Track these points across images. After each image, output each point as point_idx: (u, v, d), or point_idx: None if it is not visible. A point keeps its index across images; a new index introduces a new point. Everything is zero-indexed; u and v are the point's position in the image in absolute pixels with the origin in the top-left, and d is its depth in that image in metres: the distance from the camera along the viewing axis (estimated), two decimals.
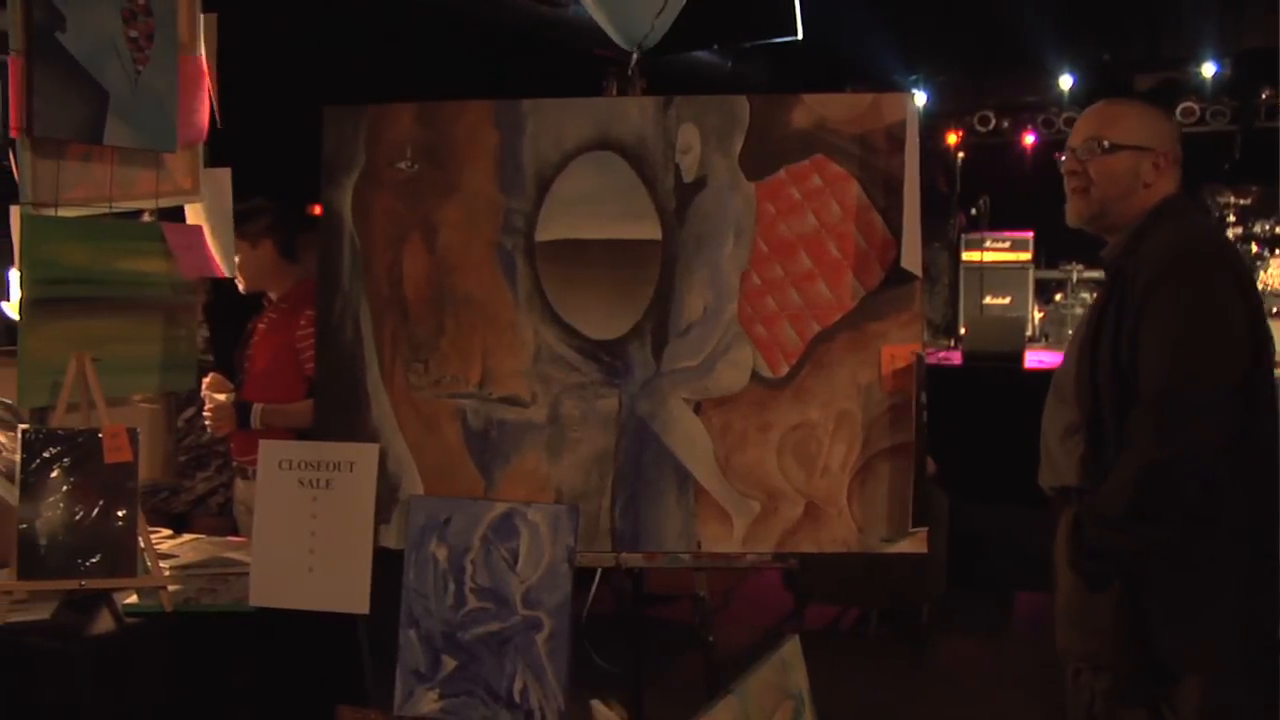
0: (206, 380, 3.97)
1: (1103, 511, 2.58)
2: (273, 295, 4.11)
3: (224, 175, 3.24)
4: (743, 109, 2.83)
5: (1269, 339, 2.62)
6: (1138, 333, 2.56)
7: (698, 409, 2.80)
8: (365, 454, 2.69)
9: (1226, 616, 2.57)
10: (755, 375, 2.79)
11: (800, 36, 4.06)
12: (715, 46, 6.84)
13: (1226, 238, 6.90)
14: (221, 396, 3.87)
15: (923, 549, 2.78)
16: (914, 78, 9.86)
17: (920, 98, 9.70)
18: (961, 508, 5.64)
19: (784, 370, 2.80)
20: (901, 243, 2.78)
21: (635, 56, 3.33)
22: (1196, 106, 9.58)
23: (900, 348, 2.78)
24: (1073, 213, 2.80)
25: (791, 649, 2.74)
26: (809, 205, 2.81)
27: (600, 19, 3.46)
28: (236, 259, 3.98)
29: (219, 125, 3.18)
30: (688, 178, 2.82)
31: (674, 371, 2.80)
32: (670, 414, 2.80)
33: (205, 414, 3.93)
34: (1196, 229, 2.78)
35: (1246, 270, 2.77)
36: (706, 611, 3.18)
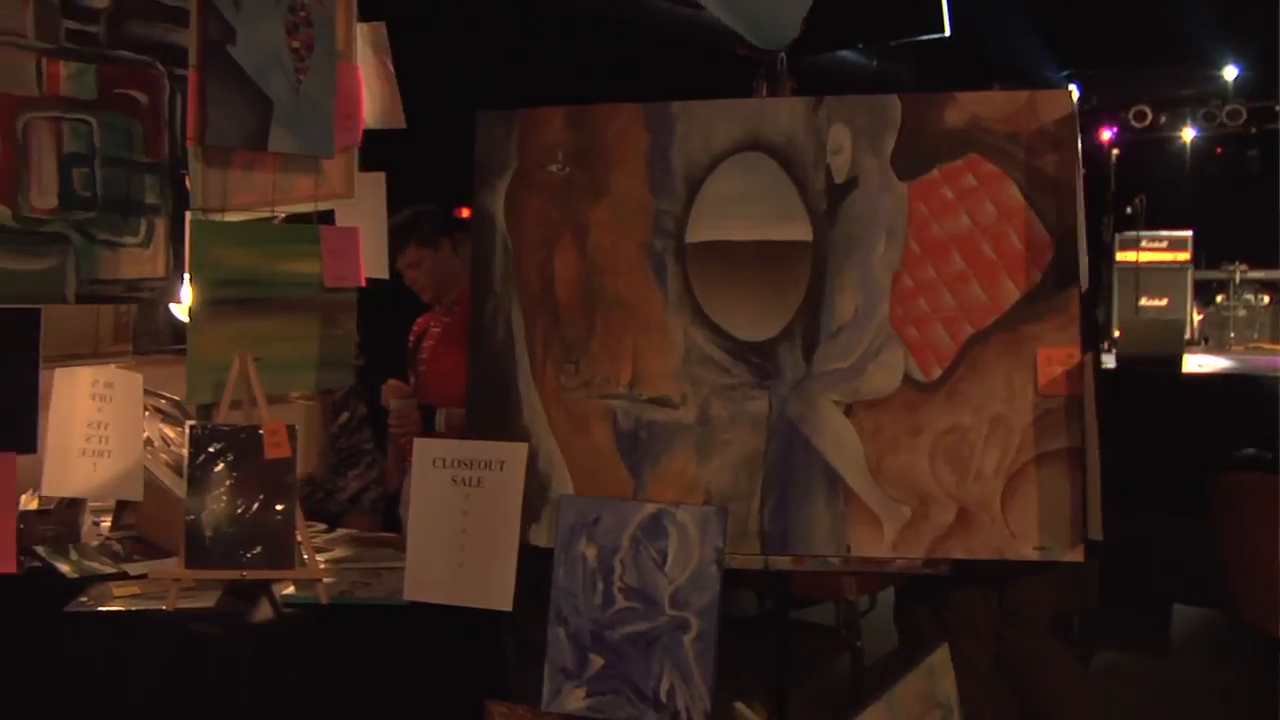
0: (386, 387, 4.07)
1: None
2: (448, 299, 4.17)
3: (379, 179, 3.33)
4: (894, 108, 2.79)
5: None
6: None
7: (848, 411, 2.76)
8: (515, 453, 2.72)
9: None
10: (907, 378, 2.75)
11: (948, 33, 3.99)
12: (860, 45, 6.76)
13: None
14: (403, 402, 3.96)
15: (1080, 558, 2.70)
16: (1065, 73, 9.60)
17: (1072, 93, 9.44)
18: (1116, 517, 5.46)
19: (936, 373, 2.75)
20: (1060, 243, 2.71)
21: (783, 57, 3.31)
22: None
23: (1058, 350, 2.71)
24: None
25: (940, 656, 2.70)
26: (963, 205, 2.75)
27: (730, 21, 3.45)
28: (418, 270, 4.09)
29: (402, 126, 3.26)
30: (839, 178, 2.80)
31: (824, 373, 2.77)
32: (820, 416, 2.77)
33: (390, 421, 4.02)
34: None
35: None
36: (855, 616, 3.14)
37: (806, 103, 2.84)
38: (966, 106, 2.76)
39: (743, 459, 2.79)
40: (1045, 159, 2.72)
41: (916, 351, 2.76)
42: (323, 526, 3.65)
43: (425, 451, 2.81)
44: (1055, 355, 2.70)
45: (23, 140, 2.48)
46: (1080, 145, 2.79)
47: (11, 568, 2.50)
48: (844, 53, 7.38)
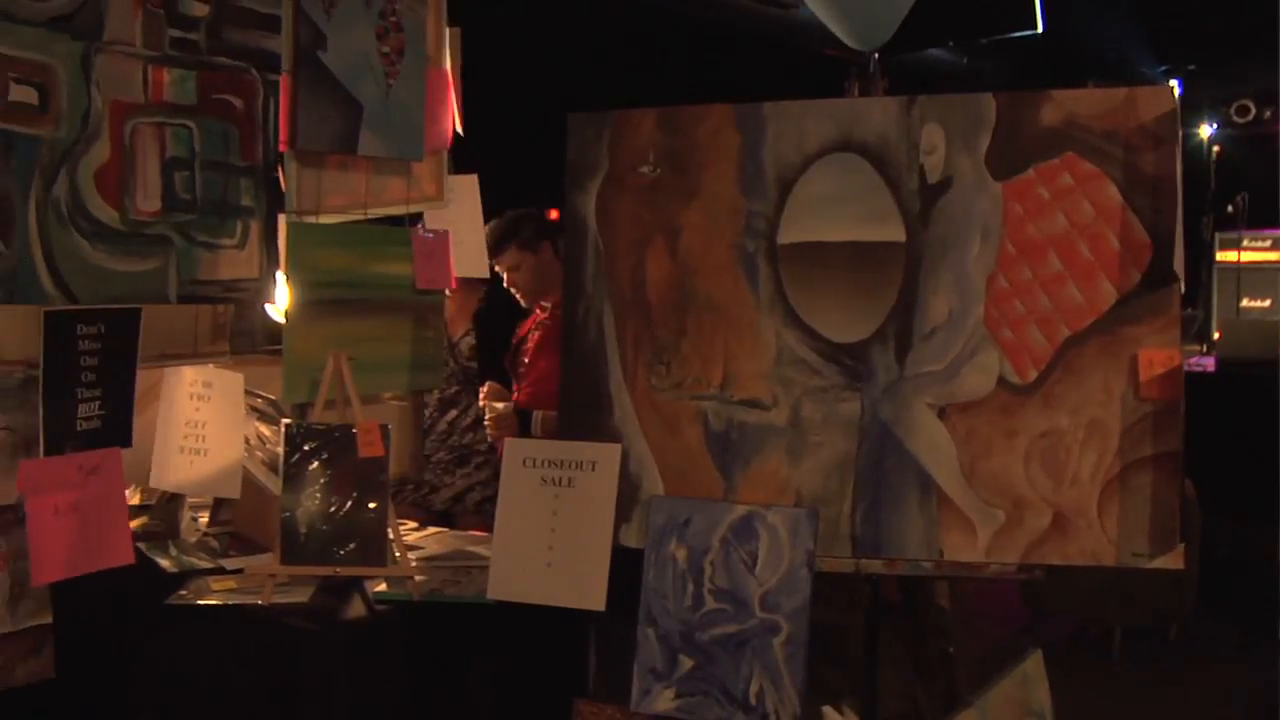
0: (484, 390, 4.11)
1: None
2: (547, 302, 4.20)
3: (471, 181, 3.36)
4: (988, 107, 2.75)
5: None
6: None
7: (942, 414, 2.73)
8: (607, 454, 2.73)
9: None
10: (1002, 380, 2.71)
11: (1040, 30, 3.93)
12: (950, 43, 6.68)
13: None
14: (500, 405, 4.00)
15: (1179, 565, 2.64)
16: (1163, 68, 9.39)
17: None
18: (1215, 524, 5.33)
19: (1032, 376, 2.70)
20: (1159, 243, 2.65)
21: (876, 57, 3.28)
22: None
23: (1158, 353, 2.65)
24: None
25: (1034, 663, 2.65)
26: (1059, 205, 2.71)
27: (829, 22, 3.43)
28: (518, 273, 4.12)
29: (461, 133, 3.29)
30: (932, 178, 2.76)
31: (918, 376, 2.74)
32: (913, 419, 2.74)
33: (486, 423, 4.06)
34: None
35: None
36: (947, 622, 3.10)
37: (900, 102, 2.81)
38: (1063, 104, 2.72)
39: (834, 461, 2.77)
40: (1144, 157, 2.67)
41: (1011, 354, 2.71)
42: (413, 524, 3.69)
43: (515, 451, 2.83)
44: (1156, 357, 2.64)
45: (130, 145, 2.54)
46: (1180, 142, 2.72)
47: (129, 559, 2.57)
48: (934, 51, 7.30)
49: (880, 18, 3.31)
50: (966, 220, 2.74)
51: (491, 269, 4.02)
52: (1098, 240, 2.68)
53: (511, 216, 4.19)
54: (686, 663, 2.60)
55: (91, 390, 2.53)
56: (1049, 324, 2.70)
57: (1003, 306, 2.72)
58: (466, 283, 4.27)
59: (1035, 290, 2.71)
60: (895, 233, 2.77)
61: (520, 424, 3.93)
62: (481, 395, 4.08)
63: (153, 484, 3.27)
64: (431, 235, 3.24)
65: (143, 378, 3.19)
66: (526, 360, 4.19)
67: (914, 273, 2.76)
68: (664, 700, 2.60)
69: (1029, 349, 2.71)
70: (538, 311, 4.26)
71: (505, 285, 4.29)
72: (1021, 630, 5.60)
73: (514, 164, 4.36)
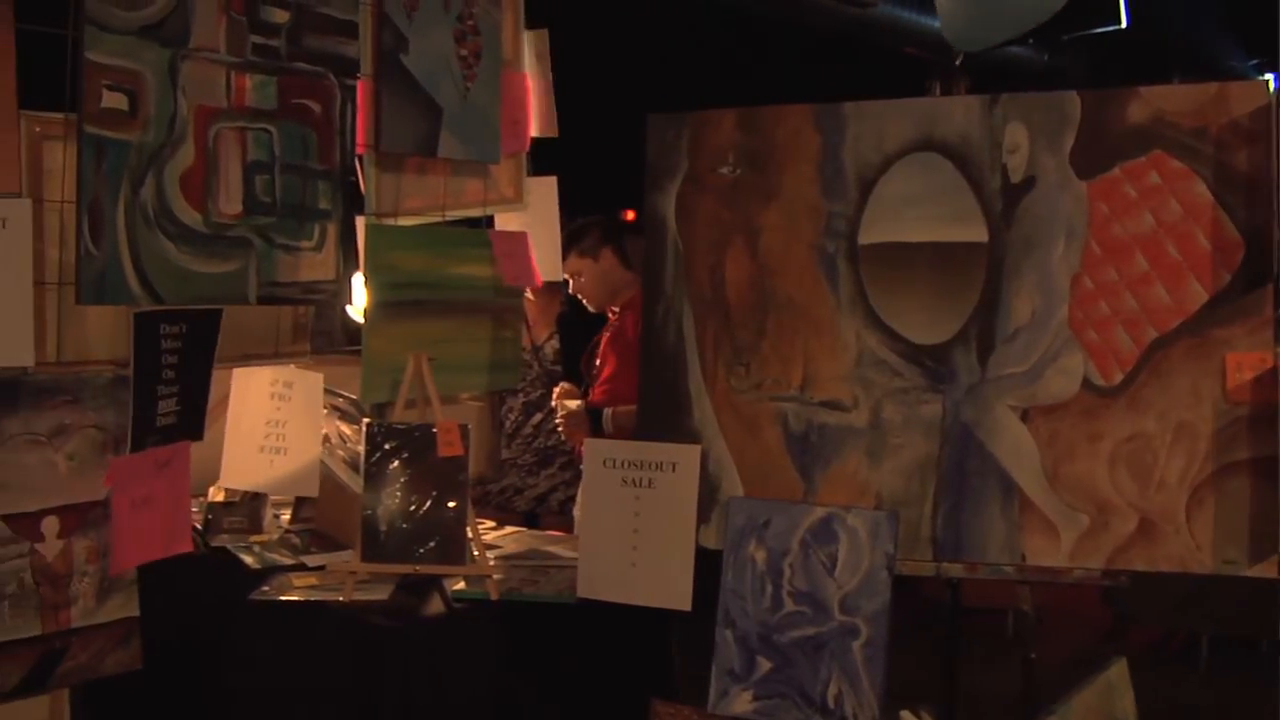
0: (557, 390, 4.14)
1: None
2: (617, 304, 4.22)
3: (550, 183, 3.38)
4: (1073, 105, 2.71)
5: None
6: None
7: (1024, 417, 2.70)
8: (687, 455, 2.73)
9: None
10: (1086, 383, 2.67)
11: (1124, 25, 3.86)
12: (1031, 40, 6.59)
13: None
14: (573, 404, 4.02)
15: (1272, 573, 2.58)
16: (1253, 62, 9.17)
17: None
18: None
19: (1117, 378, 2.65)
20: (1253, 242, 2.59)
21: (959, 56, 3.24)
22: None
23: (1248, 355, 2.59)
24: None
25: (1118, 672, 2.61)
26: (1146, 204, 2.66)
27: (946, 25, 3.38)
28: (581, 279, 4.15)
29: (554, 134, 3.31)
30: (1015, 178, 2.73)
31: (1000, 378, 2.71)
32: (996, 421, 2.71)
33: (558, 421, 4.09)
34: None
35: None
36: (1030, 627, 3.06)
37: (982, 101, 2.78)
38: (1150, 101, 2.67)
39: (915, 463, 2.75)
40: (1236, 154, 2.60)
41: (1097, 356, 2.67)
42: (491, 523, 3.72)
43: (596, 452, 2.84)
44: (1246, 360, 2.58)
45: (213, 149, 2.58)
46: (1275, 137, 2.66)
47: (188, 547, 2.61)
48: (1013, 48, 7.19)
49: (997, 20, 3.26)
50: (1050, 220, 2.70)
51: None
52: (1186, 240, 2.62)
53: (575, 224, 4.22)
54: (764, 665, 2.59)
55: (170, 388, 2.57)
56: (1135, 325, 2.65)
57: (1087, 308, 2.67)
58: (548, 287, 4.30)
59: (1121, 291, 2.66)
60: (977, 233, 2.74)
61: (591, 422, 3.94)
62: (554, 396, 4.11)
63: (223, 483, 3.33)
64: (509, 235, 3.26)
65: (225, 378, 3.26)
66: (597, 362, 4.21)
67: (996, 273, 2.72)
68: (742, 702, 2.59)
69: (1114, 351, 2.66)
70: (610, 315, 4.29)
71: (570, 292, 4.32)
72: (1104, 637, 5.51)
73: (591, 165, 4.38)
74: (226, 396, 3.33)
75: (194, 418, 2.64)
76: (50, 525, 2.45)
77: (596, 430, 3.91)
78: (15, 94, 2.34)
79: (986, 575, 2.76)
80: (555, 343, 4.71)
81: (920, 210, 2.77)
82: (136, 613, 2.58)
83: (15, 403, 2.41)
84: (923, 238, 2.77)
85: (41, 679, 2.46)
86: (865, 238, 2.80)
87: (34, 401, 2.43)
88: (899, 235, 2.78)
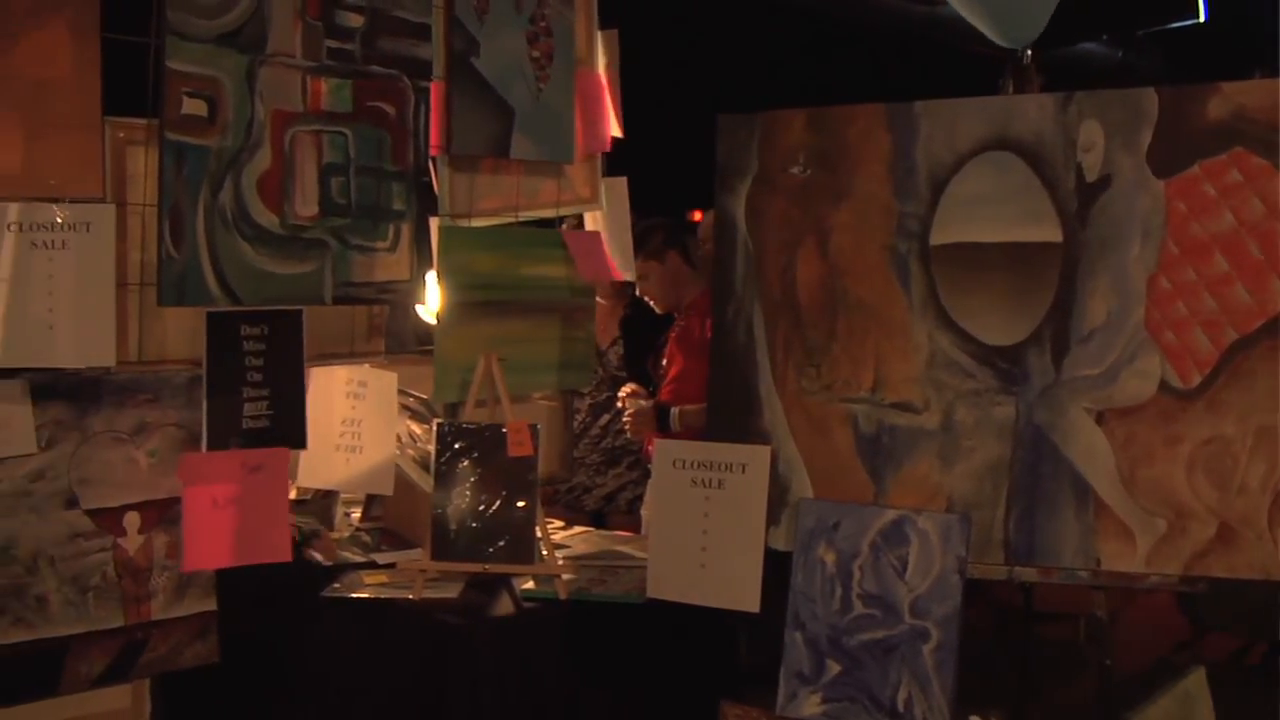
0: (624, 391, 4.16)
1: None
2: (684, 305, 4.24)
3: (621, 184, 3.39)
4: (1150, 102, 2.66)
5: None
6: None
7: (1100, 419, 2.65)
8: (757, 456, 2.73)
9: None
10: (1163, 385, 2.62)
11: (1203, 19, 3.79)
12: (1104, 37, 6.49)
13: None
14: (641, 402, 4.04)
15: None
16: None
17: None
18: None
19: (1195, 380, 2.61)
20: None
21: (1029, 53, 3.21)
22: None
23: None
24: None
25: (1197, 681, 2.57)
26: (1226, 203, 2.60)
27: (974, 21, 3.35)
28: (648, 282, 4.18)
29: (620, 135, 3.32)
30: (1090, 177, 2.69)
31: (1075, 380, 2.67)
32: (1070, 424, 2.67)
33: (625, 420, 4.11)
34: None
35: None
36: (1104, 633, 3.01)
37: (1056, 99, 2.74)
38: (1231, 97, 2.61)
39: (987, 466, 2.72)
40: None
41: (1174, 357, 2.62)
42: (560, 523, 3.74)
43: (666, 453, 2.84)
44: None
45: (290, 152, 2.62)
46: None
47: (286, 557, 2.66)
48: (1086, 45, 7.10)
49: (1025, 16, 3.22)
50: (1127, 219, 2.65)
51: None
52: (1269, 239, 2.57)
53: (640, 227, 4.23)
54: (834, 667, 2.58)
55: (258, 389, 2.62)
56: (1214, 327, 2.60)
57: (1165, 308, 2.63)
58: (613, 292, 4.32)
59: (1200, 291, 2.61)
60: (1051, 233, 2.70)
61: (659, 420, 3.95)
62: (620, 396, 4.12)
63: (302, 482, 3.37)
64: (582, 235, 3.27)
65: None
66: (664, 362, 4.22)
67: (1071, 274, 2.68)
68: (810, 705, 2.58)
69: (1192, 352, 2.61)
70: (676, 317, 4.30)
71: (638, 294, 4.34)
72: (1181, 645, 5.40)
73: (659, 166, 4.38)
74: None
75: (292, 423, 2.67)
76: (132, 520, 2.52)
77: (664, 429, 3.92)
78: (101, 101, 2.40)
79: (1060, 580, 2.72)
80: (619, 348, 4.73)
81: (993, 210, 2.74)
82: (214, 607, 2.64)
83: (98, 401, 2.47)
84: (996, 238, 2.74)
85: (124, 669, 2.53)
86: (937, 238, 2.78)
87: (116, 400, 2.49)
88: (971, 235, 2.75)
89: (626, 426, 4.15)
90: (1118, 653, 4.66)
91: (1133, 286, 2.65)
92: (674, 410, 3.94)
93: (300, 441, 2.70)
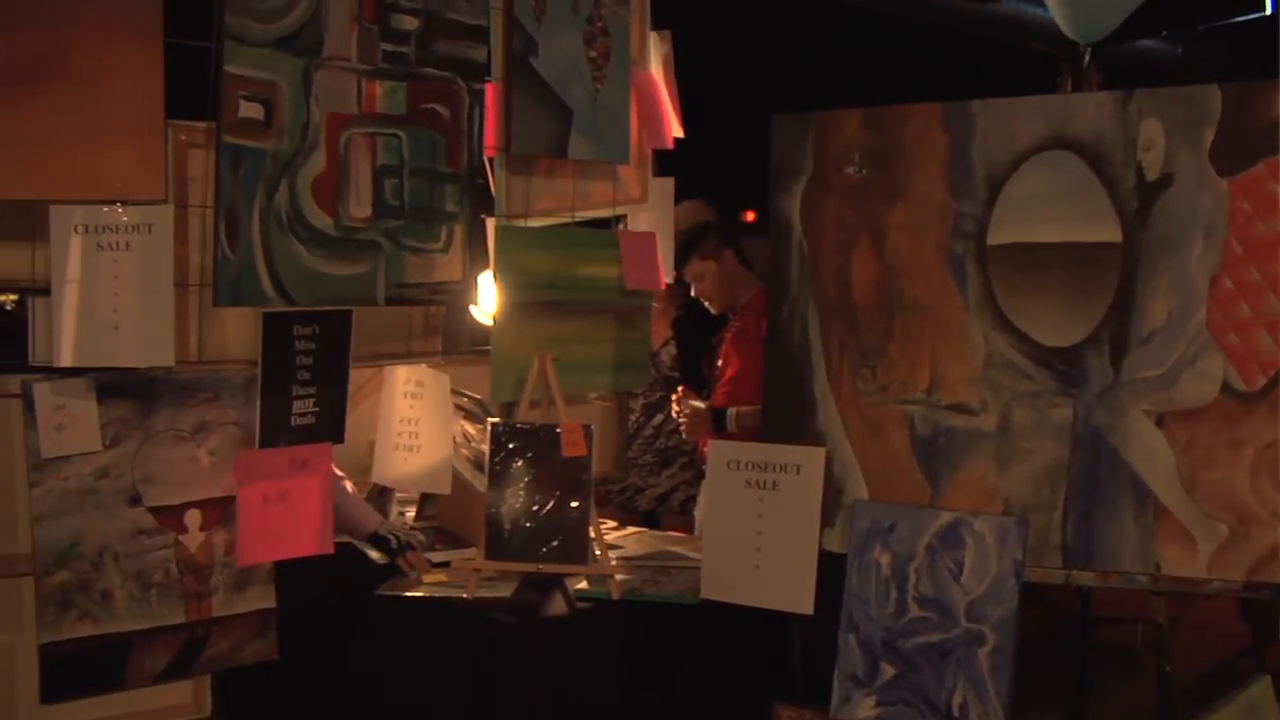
0: (676, 394, 4.17)
1: None
2: (739, 305, 4.23)
3: (667, 184, 3.39)
4: (1213, 99, 2.63)
5: None
6: None
7: (1160, 422, 2.62)
8: (812, 457, 2.72)
9: None
10: (1226, 387, 2.58)
11: (1270, 12, 3.72)
12: (1164, 33, 6.40)
13: None
14: (696, 403, 4.04)
15: None
16: None
17: None
18: None
19: (1259, 382, 2.57)
20: None
21: (1089, 51, 3.17)
22: None
23: None
24: None
25: (1262, 690, 2.53)
26: None
27: (1058, 16, 3.31)
28: (703, 282, 4.18)
29: (680, 134, 3.32)
30: (1151, 176, 2.66)
31: (1134, 381, 2.64)
32: (1130, 426, 2.64)
33: (680, 421, 4.12)
34: None
35: None
36: (1165, 639, 2.97)
37: (1115, 97, 2.71)
38: None
39: (1045, 468, 2.69)
40: None
41: (1237, 359, 2.58)
42: (613, 523, 3.74)
43: (720, 453, 2.84)
44: None
45: (344, 155, 2.64)
46: None
47: (329, 549, 2.68)
48: (1146, 41, 7.00)
49: (1105, 10, 3.18)
50: (1189, 219, 2.62)
51: (680, 278, 4.07)
52: None
53: (695, 226, 4.23)
54: (888, 670, 2.57)
55: (306, 388, 2.64)
56: (1279, 328, 2.56)
57: (1227, 309, 2.59)
58: (663, 291, 4.31)
59: (1264, 292, 2.57)
60: (1111, 233, 2.67)
61: (714, 421, 3.95)
62: (674, 398, 4.12)
63: (374, 478, 3.40)
64: (638, 236, 3.27)
65: (354, 376, 3.33)
66: (718, 363, 4.22)
67: (1131, 274, 2.65)
68: (864, 708, 2.57)
69: (1256, 354, 2.57)
70: (730, 318, 4.29)
71: (693, 295, 4.33)
72: (1243, 653, 5.31)
73: (709, 166, 4.38)
74: (353, 393, 3.39)
75: (333, 419, 2.70)
76: (193, 518, 2.55)
77: (719, 430, 3.92)
78: (164, 105, 2.43)
79: (1119, 585, 2.69)
80: (672, 349, 4.73)
81: (1051, 210, 2.71)
82: (273, 604, 2.66)
83: (160, 400, 2.50)
84: (1054, 238, 2.71)
85: (185, 665, 2.56)
86: (994, 238, 2.76)
87: (177, 399, 2.52)
88: (1029, 235, 2.73)
89: (682, 428, 4.14)
90: (1177, 659, 4.61)
91: (1194, 287, 2.61)
92: (730, 411, 3.94)
93: (339, 437, 2.73)
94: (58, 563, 2.41)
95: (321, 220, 2.62)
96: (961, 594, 2.52)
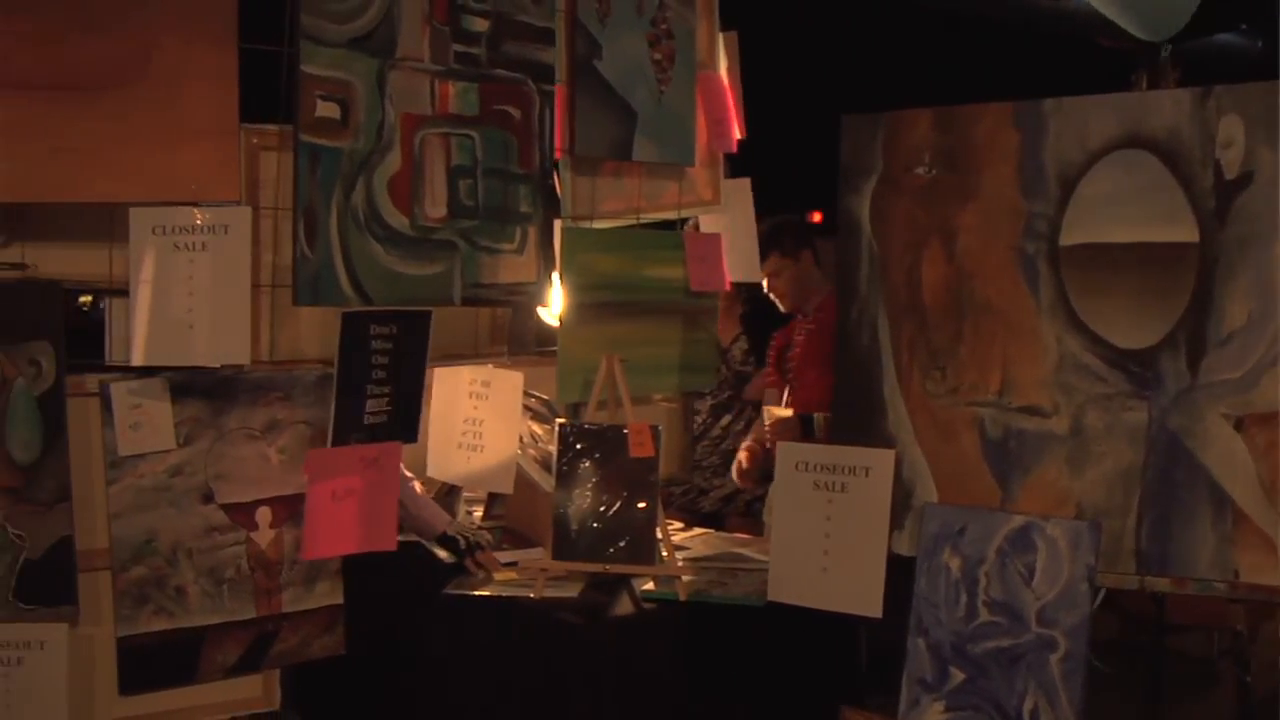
0: (766, 407, 4.15)
1: None
2: (809, 306, 4.22)
3: (744, 185, 3.38)
4: None
5: None
6: None
7: (1238, 425, 2.56)
8: (881, 460, 2.71)
9: None
10: None
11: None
12: (1243, 26, 6.26)
13: None
14: (784, 411, 4.03)
15: None
16: None
17: None
18: None
19: None
20: None
21: (1167, 47, 3.11)
22: None
23: None
24: None
25: None
26: None
27: (1117, 18, 3.27)
28: (779, 279, 4.16)
29: (741, 136, 3.31)
30: (1230, 174, 2.60)
31: (1212, 384, 2.59)
32: (1207, 430, 2.58)
33: (767, 428, 4.10)
34: None
35: None
36: (1244, 648, 2.91)
37: (1193, 94, 2.66)
38: None
39: (1118, 472, 2.65)
40: None
41: None
42: (679, 524, 3.74)
43: (788, 456, 2.83)
44: None
45: (419, 155, 2.67)
46: None
47: (392, 546, 2.71)
48: (1224, 35, 6.86)
49: (1170, 7, 3.13)
50: (1269, 217, 2.56)
51: None
52: None
53: (772, 224, 4.21)
54: (957, 675, 2.54)
55: (381, 388, 2.67)
56: None
57: None
58: (731, 288, 4.29)
59: None
60: (1187, 232, 2.62)
61: (802, 427, 3.93)
62: (764, 412, 4.10)
63: (430, 474, 3.43)
64: (704, 238, 3.27)
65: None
66: (794, 366, 4.20)
67: (1209, 274, 2.60)
68: (933, 713, 2.55)
69: None
70: (799, 318, 4.27)
71: (765, 290, 4.32)
72: None
73: (777, 167, 4.36)
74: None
75: (407, 419, 2.73)
76: (264, 515, 2.59)
77: (807, 435, 3.90)
78: (238, 109, 2.47)
79: (1195, 591, 2.64)
80: (743, 343, 4.71)
81: (1125, 210, 2.67)
82: (340, 600, 2.70)
83: (233, 399, 2.54)
84: (1128, 238, 2.66)
85: (256, 659, 2.60)
86: (1067, 239, 2.72)
87: (250, 398, 2.56)
88: (1103, 236, 2.69)
89: (768, 436, 4.12)
90: (1259, 670, 4.51)
91: (1275, 287, 2.55)
92: (818, 416, 3.91)
93: (412, 436, 2.75)
94: (134, 558, 2.46)
95: (398, 220, 2.65)
96: (1033, 599, 2.49)
